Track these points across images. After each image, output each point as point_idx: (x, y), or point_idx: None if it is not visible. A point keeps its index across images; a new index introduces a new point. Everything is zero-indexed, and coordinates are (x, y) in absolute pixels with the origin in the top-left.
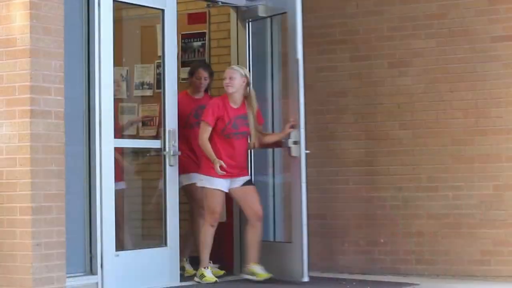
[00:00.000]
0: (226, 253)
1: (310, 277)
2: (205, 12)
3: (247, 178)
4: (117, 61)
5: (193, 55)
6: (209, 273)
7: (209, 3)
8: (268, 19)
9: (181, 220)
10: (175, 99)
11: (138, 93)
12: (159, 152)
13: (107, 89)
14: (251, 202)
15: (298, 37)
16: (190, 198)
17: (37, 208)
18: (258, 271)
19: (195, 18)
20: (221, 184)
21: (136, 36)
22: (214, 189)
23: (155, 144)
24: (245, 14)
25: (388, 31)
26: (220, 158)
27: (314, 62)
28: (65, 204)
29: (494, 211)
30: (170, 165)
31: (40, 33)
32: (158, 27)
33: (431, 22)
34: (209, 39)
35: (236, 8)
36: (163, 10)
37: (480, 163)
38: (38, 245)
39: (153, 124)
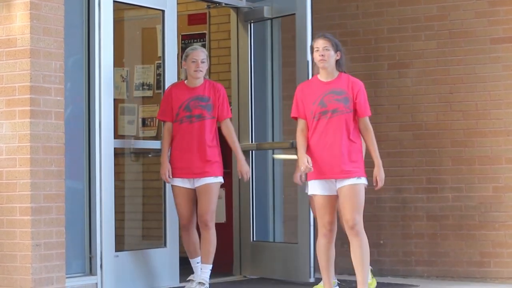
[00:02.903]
0: (226, 253)
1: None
2: (206, 13)
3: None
4: (117, 62)
5: None
6: None
7: (209, 4)
8: (268, 21)
9: None
10: None
11: (138, 93)
12: None
13: (107, 90)
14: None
15: (308, 38)
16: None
17: (37, 209)
18: None
19: (195, 19)
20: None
21: (136, 36)
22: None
23: (155, 145)
24: (247, 15)
25: (388, 33)
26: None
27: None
28: (65, 204)
29: (494, 212)
30: None
31: (40, 33)
32: (158, 27)
33: (431, 23)
34: (209, 40)
35: (237, 9)
36: (163, 11)
37: (480, 165)
38: (37, 245)
39: (153, 125)
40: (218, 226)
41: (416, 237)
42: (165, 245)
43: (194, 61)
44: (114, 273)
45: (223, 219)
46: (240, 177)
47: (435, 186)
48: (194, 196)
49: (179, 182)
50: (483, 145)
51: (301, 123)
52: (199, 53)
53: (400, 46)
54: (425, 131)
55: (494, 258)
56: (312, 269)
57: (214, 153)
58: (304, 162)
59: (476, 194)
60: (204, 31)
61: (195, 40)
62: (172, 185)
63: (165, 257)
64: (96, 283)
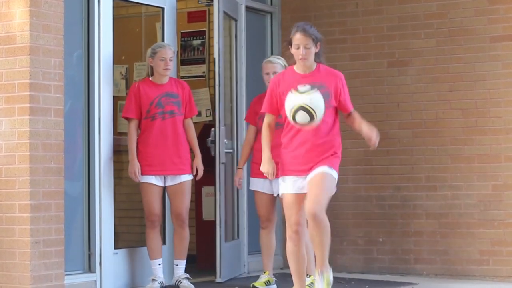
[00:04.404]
0: None
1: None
2: (205, 11)
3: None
4: (117, 59)
5: (192, 54)
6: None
7: (207, 2)
8: (268, 19)
9: None
10: None
11: None
12: None
13: (107, 87)
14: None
15: (219, 36)
16: None
17: (36, 206)
18: None
19: (195, 16)
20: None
21: (136, 34)
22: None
23: None
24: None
25: (387, 31)
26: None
27: None
28: (64, 201)
29: (493, 211)
30: None
31: (40, 30)
32: (158, 25)
33: (431, 21)
34: (209, 38)
35: None
36: (163, 8)
37: (479, 163)
38: (37, 242)
39: None
40: (215, 225)
41: (415, 235)
42: (164, 243)
43: (163, 60)
44: (113, 271)
45: None
46: (194, 173)
47: (435, 184)
48: (163, 194)
49: (152, 180)
50: (482, 143)
51: (268, 117)
52: (168, 52)
53: (400, 44)
54: (425, 129)
55: (493, 256)
56: (218, 269)
57: (186, 150)
58: (270, 171)
59: (475, 192)
60: (204, 29)
61: (195, 38)
62: (143, 183)
63: (164, 255)
64: (95, 280)
